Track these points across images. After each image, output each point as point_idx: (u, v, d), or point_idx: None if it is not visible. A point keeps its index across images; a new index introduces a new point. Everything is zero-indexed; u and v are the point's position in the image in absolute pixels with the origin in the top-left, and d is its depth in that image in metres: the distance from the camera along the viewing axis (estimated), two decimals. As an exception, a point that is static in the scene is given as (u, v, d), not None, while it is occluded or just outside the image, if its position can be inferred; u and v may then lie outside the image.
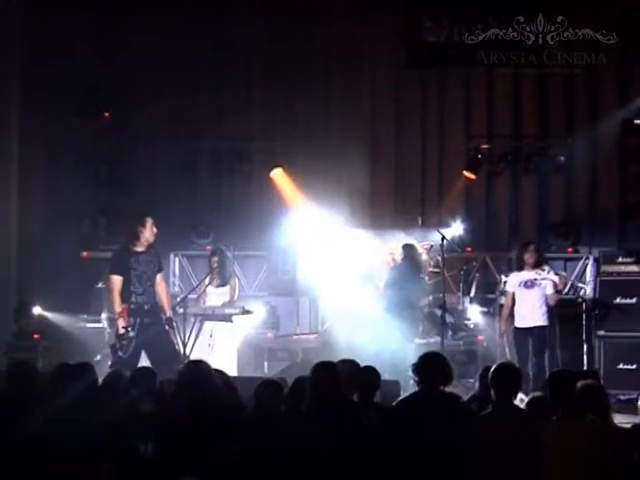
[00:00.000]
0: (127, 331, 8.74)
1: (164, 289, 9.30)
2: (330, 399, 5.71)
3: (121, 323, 8.82)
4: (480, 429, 5.69)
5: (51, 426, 5.42)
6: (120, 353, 8.72)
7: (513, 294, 10.30)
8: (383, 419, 5.91)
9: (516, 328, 10.21)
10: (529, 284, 10.17)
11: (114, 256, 9.27)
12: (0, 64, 11.65)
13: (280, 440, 5.43)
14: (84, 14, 12.60)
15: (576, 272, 12.43)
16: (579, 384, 5.77)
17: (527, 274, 10.25)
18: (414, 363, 6.08)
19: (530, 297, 10.14)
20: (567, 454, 5.46)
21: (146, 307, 8.94)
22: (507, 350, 10.24)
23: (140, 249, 9.02)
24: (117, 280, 8.95)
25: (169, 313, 9.19)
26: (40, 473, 5.23)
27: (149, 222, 9.02)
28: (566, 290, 11.48)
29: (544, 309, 10.10)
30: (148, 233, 8.98)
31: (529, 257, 10.26)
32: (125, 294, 8.98)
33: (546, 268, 10.31)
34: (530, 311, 10.12)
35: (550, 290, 10.13)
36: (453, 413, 5.82)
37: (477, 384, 6.46)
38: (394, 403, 6.22)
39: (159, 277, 9.23)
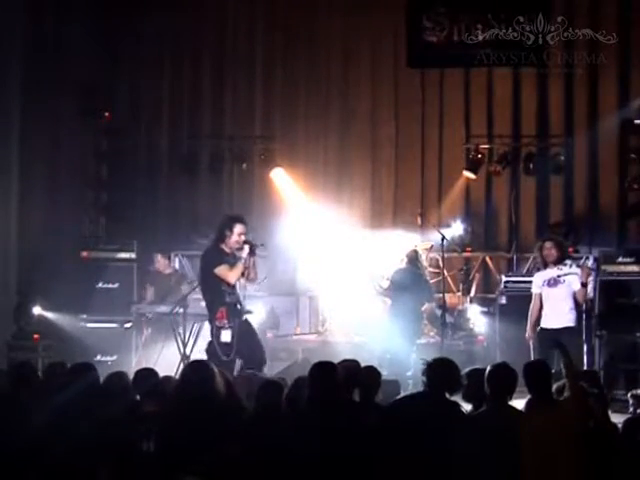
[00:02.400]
0: (230, 333, 8.56)
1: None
2: (328, 399, 5.71)
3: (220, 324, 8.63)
4: (475, 429, 5.69)
5: (52, 425, 5.42)
6: (224, 357, 8.44)
7: (540, 295, 9.64)
8: (381, 418, 5.91)
9: (542, 329, 9.58)
10: (552, 282, 9.57)
11: (209, 253, 8.92)
12: (0, 64, 11.65)
13: (279, 440, 5.43)
14: (84, 14, 12.59)
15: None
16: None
17: (550, 272, 9.63)
18: (425, 364, 6.04)
19: (555, 296, 9.54)
20: (539, 441, 5.48)
21: (238, 306, 8.77)
22: (532, 354, 9.79)
23: (227, 250, 8.75)
24: (224, 267, 8.65)
25: None
26: (41, 471, 5.24)
27: (237, 228, 8.70)
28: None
29: (570, 308, 9.52)
30: (233, 239, 8.69)
31: (548, 253, 9.65)
32: (218, 295, 8.72)
33: (568, 262, 9.70)
34: (555, 311, 9.54)
35: (577, 286, 9.52)
36: (449, 417, 5.81)
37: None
38: (393, 400, 6.21)
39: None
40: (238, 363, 8.59)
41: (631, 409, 6.79)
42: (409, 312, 10.78)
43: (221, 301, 8.67)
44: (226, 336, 8.57)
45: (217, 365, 8.17)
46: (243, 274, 8.84)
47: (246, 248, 8.64)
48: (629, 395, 6.75)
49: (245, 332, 8.71)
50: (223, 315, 8.62)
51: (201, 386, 5.72)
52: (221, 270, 8.63)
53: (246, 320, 8.88)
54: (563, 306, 9.59)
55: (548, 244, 9.82)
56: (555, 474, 5.47)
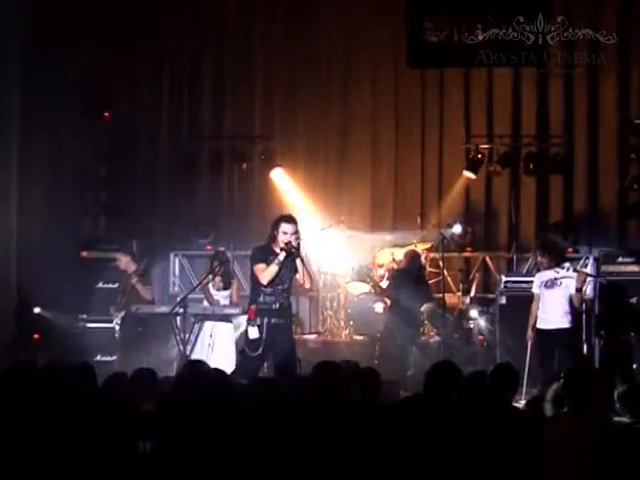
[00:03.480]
0: (256, 331, 8.57)
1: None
2: (332, 399, 5.72)
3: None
4: (479, 430, 5.69)
5: (49, 425, 5.42)
6: (250, 352, 8.51)
7: (539, 296, 9.80)
8: (383, 419, 5.90)
9: (538, 329, 9.75)
10: (549, 284, 9.71)
11: (254, 250, 8.94)
12: (1, 64, 11.65)
13: (280, 439, 5.43)
14: (84, 14, 12.60)
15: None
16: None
17: (547, 274, 9.77)
18: (428, 371, 6.03)
19: (551, 298, 9.68)
20: (570, 450, 5.46)
21: (274, 307, 8.64)
22: (528, 356, 9.82)
23: (278, 250, 8.64)
24: (260, 266, 8.63)
25: None
26: (38, 470, 5.24)
27: (282, 227, 8.59)
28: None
29: (566, 310, 9.65)
30: (280, 238, 8.58)
31: (540, 259, 9.87)
32: (254, 293, 8.77)
33: (566, 265, 9.78)
34: (551, 312, 9.68)
35: (574, 289, 9.67)
36: (454, 419, 5.80)
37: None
38: (396, 402, 6.21)
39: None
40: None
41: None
42: (408, 312, 10.80)
43: (255, 299, 8.68)
44: (253, 333, 8.57)
45: (243, 360, 8.51)
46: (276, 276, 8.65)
47: (283, 251, 8.54)
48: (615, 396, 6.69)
49: (274, 338, 8.58)
50: (253, 313, 8.62)
51: (196, 386, 5.72)
52: (257, 268, 8.63)
53: (283, 327, 8.69)
54: (559, 308, 9.68)
55: (538, 252, 9.96)
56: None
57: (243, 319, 11.10)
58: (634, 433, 5.59)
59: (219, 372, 6.26)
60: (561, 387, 5.84)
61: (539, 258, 9.93)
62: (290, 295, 8.89)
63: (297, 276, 8.72)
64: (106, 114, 13.15)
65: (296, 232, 8.60)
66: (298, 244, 8.59)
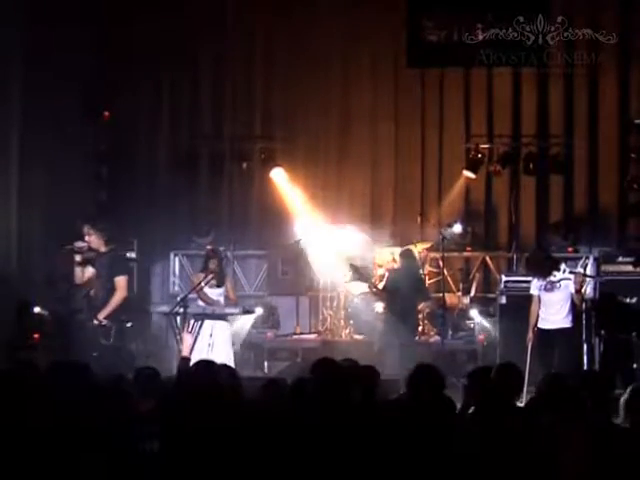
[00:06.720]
0: None
1: (115, 295, 9.23)
2: (331, 398, 5.72)
3: None
4: (478, 430, 5.68)
5: (48, 425, 5.42)
6: None
7: (539, 297, 9.83)
8: (375, 418, 5.90)
9: (539, 329, 9.79)
10: (548, 287, 9.74)
11: None
12: (0, 64, 11.65)
13: (283, 438, 5.43)
14: (84, 15, 12.59)
15: (576, 272, 12.42)
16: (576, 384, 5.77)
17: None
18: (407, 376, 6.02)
19: (552, 299, 9.74)
20: (568, 454, 5.45)
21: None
22: (528, 356, 9.85)
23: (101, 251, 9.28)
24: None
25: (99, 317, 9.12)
26: (38, 470, 5.24)
27: (83, 229, 9.26)
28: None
29: (567, 310, 9.71)
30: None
31: (534, 274, 9.93)
32: None
33: (561, 268, 9.85)
34: (552, 313, 9.75)
35: (573, 290, 9.75)
36: (442, 417, 5.79)
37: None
38: (382, 403, 6.21)
39: (118, 281, 9.23)
40: None
41: None
42: (405, 311, 10.79)
43: None
44: None
45: None
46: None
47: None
48: None
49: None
50: None
51: (202, 385, 5.73)
52: None
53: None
54: (560, 309, 9.74)
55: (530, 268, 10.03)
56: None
57: (242, 318, 11.20)
58: (634, 434, 5.59)
59: (229, 368, 6.27)
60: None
61: (533, 274, 9.94)
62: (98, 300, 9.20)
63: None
64: (106, 114, 13.14)
65: (89, 235, 9.17)
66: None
